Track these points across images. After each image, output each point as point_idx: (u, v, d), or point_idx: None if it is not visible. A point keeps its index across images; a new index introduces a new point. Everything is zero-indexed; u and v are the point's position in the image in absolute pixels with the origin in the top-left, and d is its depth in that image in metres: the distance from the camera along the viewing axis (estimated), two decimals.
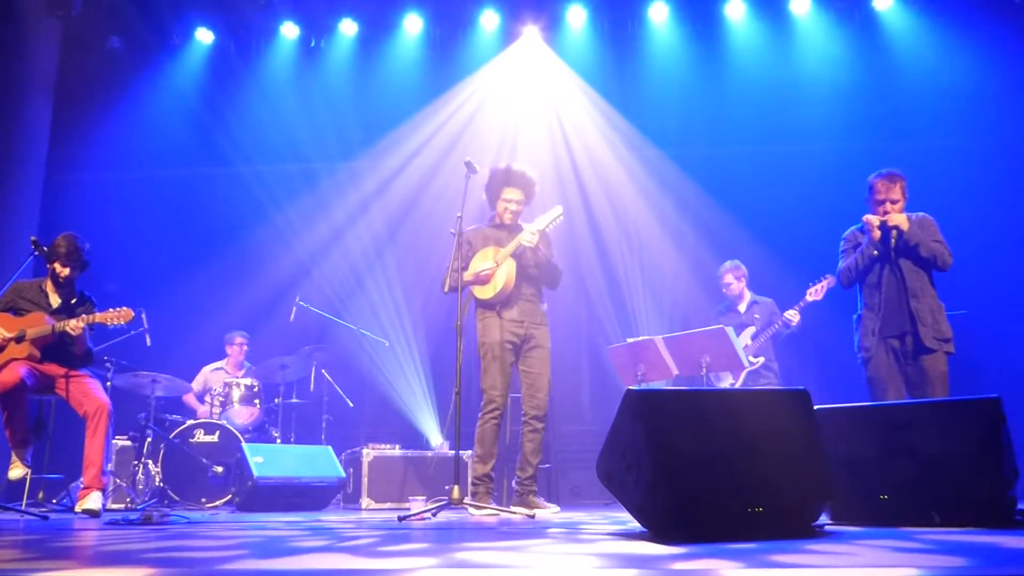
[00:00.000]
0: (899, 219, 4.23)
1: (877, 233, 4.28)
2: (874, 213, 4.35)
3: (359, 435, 6.84)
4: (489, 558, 1.97)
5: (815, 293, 5.44)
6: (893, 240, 4.23)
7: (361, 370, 7.15)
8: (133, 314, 4.49)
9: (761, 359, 5.63)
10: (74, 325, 4.38)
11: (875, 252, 4.31)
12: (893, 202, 4.29)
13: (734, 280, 5.91)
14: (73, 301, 4.68)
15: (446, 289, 4.41)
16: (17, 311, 4.54)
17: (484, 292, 4.52)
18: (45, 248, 4.57)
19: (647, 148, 7.47)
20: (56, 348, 4.48)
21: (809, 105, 7.07)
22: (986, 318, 5.87)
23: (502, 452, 5.20)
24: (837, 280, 4.63)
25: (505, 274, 4.48)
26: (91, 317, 4.46)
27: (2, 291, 4.51)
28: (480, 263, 4.54)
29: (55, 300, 4.64)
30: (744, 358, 5.27)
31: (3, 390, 4.27)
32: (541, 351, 4.57)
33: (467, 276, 4.43)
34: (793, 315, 5.56)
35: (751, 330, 5.73)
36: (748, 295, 5.93)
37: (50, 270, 4.62)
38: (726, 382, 5.68)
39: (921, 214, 4.36)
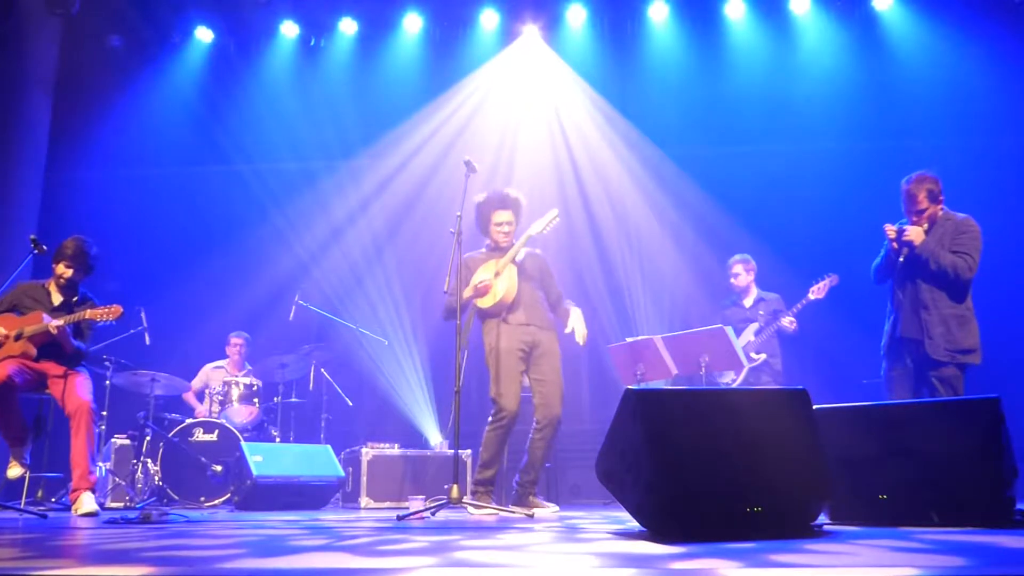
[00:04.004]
0: (914, 234, 4.18)
1: (895, 245, 4.26)
2: (908, 220, 4.30)
3: (358, 434, 6.83)
4: (488, 557, 1.97)
5: (817, 291, 5.42)
6: (903, 255, 4.21)
7: (360, 369, 7.15)
8: (122, 311, 4.46)
9: (763, 356, 5.61)
10: (55, 323, 4.37)
11: (900, 259, 4.25)
12: (919, 212, 4.21)
13: (743, 271, 5.86)
14: (74, 300, 4.68)
15: (445, 317, 4.42)
16: (21, 311, 4.55)
17: (485, 301, 4.51)
18: (44, 247, 4.57)
19: (647, 147, 7.46)
20: (52, 346, 4.47)
21: (809, 104, 7.07)
22: (986, 318, 5.86)
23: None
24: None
25: (506, 282, 4.48)
26: (76, 315, 4.45)
27: (2, 290, 4.52)
28: (480, 276, 4.54)
29: (57, 299, 4.65)
30: (743, 357, 5.27)
31: None
32: (551, 358, 4.53)
33: (467, 293, 4.45)
34: (790, 321, 5.54)
35: (755, 326, 5.71)
36: (755, 290, 5.88)
37: (54, 270, 4.63)
38: (727, 378, 5.67)
39: (963, 217, 4.26)
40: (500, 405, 4.39)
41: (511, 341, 4.44)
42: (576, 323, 4.58)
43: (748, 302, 5.87)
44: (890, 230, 4.28)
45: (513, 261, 4.53)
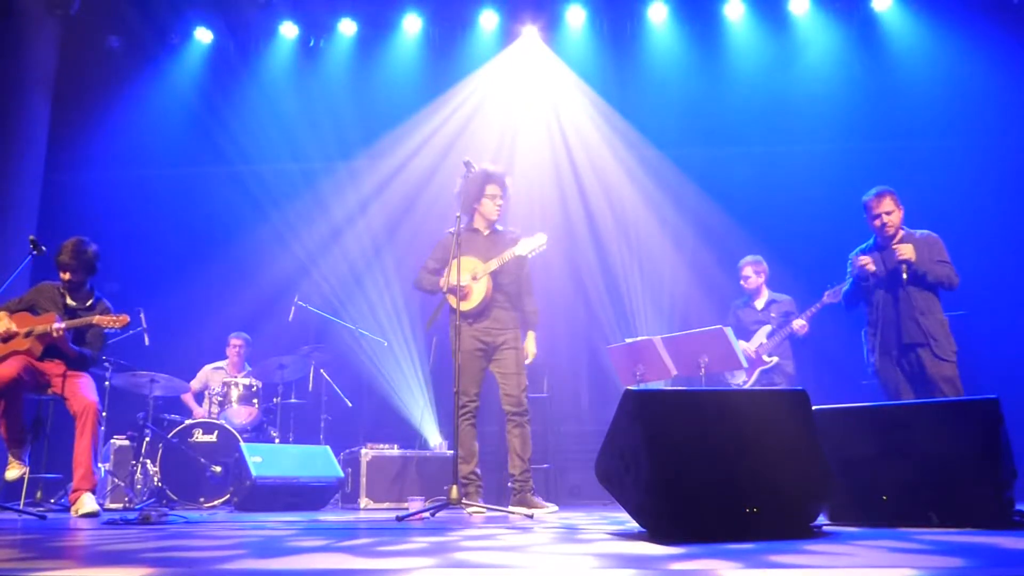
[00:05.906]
0: (907, 252, 4.35)
1: (872, 267, 4.44)
2: (872, 230, 4.54)
3: (357, 435, 6.83)
4: (487, 558, 1.97)
5: (831, 296, 5.30)
6: (904, 273, 4.35)
7: (360, 370, 7.15)
8: (128, 320, 4.50)
9: (775, 359, 5.58)
10: (56, 327, 4.37)
11: (904, 276, 4.38)
12: (887, 213, 4.45)
13: (753, 274, 5.81)
14: (89, 303, 4.69)
15: (427, 286, 4.55)
16: (38, 311, 4.57)
17: (463, 305, 4.54)
18: (43, 248, 4.58)
19: (646, 148, 7.47)
20: (57, 348, 4.48)
21: (808, 105, 7.07)
22: (985, 318, 5.87)
23: (487, 452, 5.28)
24: (843, 300, 4.81)
25: (483, 289, 4.58)
26: (81, 320, 4.45)
27: (1, 290, 4.52)
28: (462, 272, 4.55)
29: (70, 302, 4.66)
30: (743, 358, 5.26)
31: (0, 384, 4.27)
32: (512, 352, 4.65)
33: (443, 285, 4.54)
34: (801, 325, 5.51)
35: (767, 328, 5.67)
36: (766, 292, 5.84)
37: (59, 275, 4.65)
38: (738, 379, 5.65)
39: (926, 232, 4.48)
40: (462, 401, 4.55)
41: (472, 342, 4.61)
42: (528, 346, 4.78)
43: (760, 304, 5.82)
44: (867, 262, 4.45)
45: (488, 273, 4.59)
